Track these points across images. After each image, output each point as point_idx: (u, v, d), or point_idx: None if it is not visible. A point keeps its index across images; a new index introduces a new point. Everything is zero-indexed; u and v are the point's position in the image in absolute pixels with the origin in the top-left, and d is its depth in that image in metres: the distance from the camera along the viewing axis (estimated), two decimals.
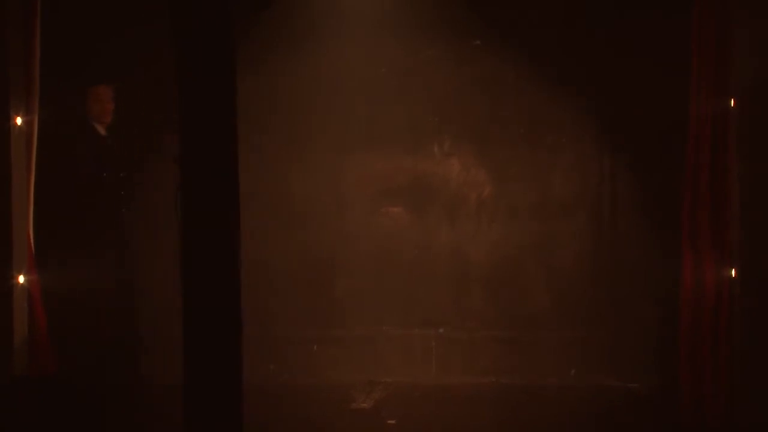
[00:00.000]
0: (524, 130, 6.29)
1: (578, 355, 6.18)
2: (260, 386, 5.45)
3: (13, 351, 4.71)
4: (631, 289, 6.11)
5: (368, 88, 6.25)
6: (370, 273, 6.35)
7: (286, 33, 6.18)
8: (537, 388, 6.03)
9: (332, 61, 6.19)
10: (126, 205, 5.70)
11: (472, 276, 6.38)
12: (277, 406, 5.60)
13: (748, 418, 4.76)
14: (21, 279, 4.80)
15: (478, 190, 6.38)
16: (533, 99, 6.22)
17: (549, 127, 6.27)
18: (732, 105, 4.80)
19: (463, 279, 6.37)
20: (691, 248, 4.91)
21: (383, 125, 6.29)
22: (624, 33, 5.95)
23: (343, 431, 5.32)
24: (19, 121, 4.77)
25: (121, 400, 5.34)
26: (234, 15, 3.28)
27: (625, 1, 5.94)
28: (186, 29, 3.20)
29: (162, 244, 5.32)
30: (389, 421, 5.38)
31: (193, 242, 3.27)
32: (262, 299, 6.12)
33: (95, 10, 5.92)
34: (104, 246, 5.64)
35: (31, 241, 4.93)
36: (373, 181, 6.36)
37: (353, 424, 5.39)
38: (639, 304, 6.07)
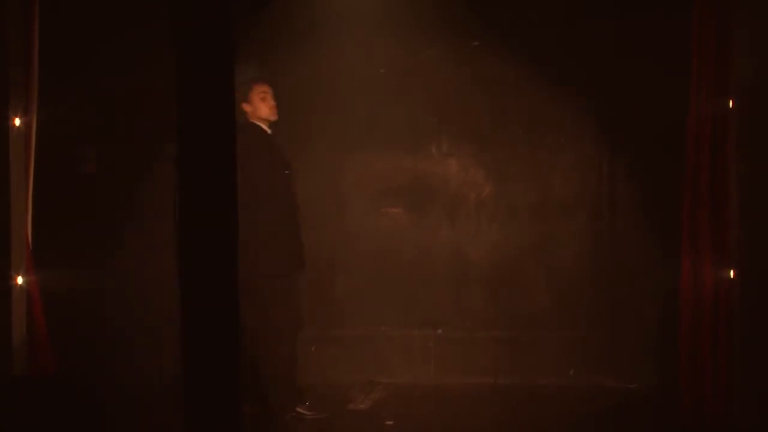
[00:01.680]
0: (524, 130, 6.29)
1: (578, 355, 6.18)
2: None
3: (12, 351, 4.70)
4: (631, 289, 6.11)
5: (368, 88, 6.25)
6: (369, 273, 6.35)
7: (286, 33, 6.17)
8: (536, 389, 6.02)
9: (332, 61, 6.19)
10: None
11: (472, 276, 6.38)
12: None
13: (748, 418, 4.75)
14: (19, 280, 4.79)
15: (477, 190, 6.38)
16: (533, 99, 6.22)
17: (549, 127, 6.27)
18: (732, 105, 4.80)
19: (463, 279, 6.37)
20: (691, 248, 4.91)
21: (383, 125, 6.30)
22: (624, 33, 5.94)
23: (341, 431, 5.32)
24: (17, 121, 4.76)
25: (121, 400, 5.34)
26: (234, 15, 3.27)
27: (625, 1, 5.94)
28: (186, 29, 3.20)
29: (160, 245, 5.30)
30: (387, 422, 5.38)
31: (192, 242, 3.26)
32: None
33: (95, 10, 5.92)
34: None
35: (30, 241, 4.92)
36: (373, 181, 6.36)
37: (352, 425, 5.39)
38: (639, 304, 6.06)
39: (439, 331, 6.32)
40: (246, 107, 5.46)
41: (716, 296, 4.82)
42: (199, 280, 3.25)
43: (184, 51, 3.20)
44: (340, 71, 6.22)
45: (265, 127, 5.49)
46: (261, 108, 5.46)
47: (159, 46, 4.12)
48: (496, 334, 6.27)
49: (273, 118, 5.50)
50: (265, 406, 5.28)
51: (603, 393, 5.92)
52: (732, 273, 4.80)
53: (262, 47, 6.04)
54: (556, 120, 6.25)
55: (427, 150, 6.36)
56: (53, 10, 5.16)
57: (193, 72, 3.19)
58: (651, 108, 5.85)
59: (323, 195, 6.34)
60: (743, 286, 4.76)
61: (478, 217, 6.37)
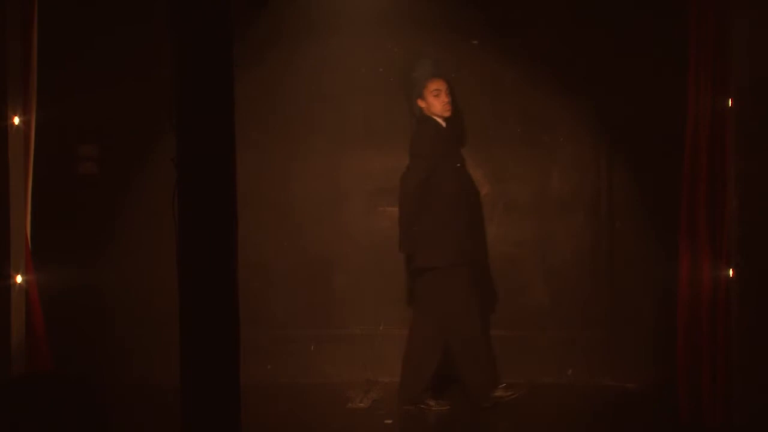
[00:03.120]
0: (522, 128, 6.28)
1: (576, 354, 6.17)
2: (258, 386, 5.45)
3: (11, 350, 4.69)
4: (629, 288, 6.11)
5: (366, 86, 6.24)
6: (367, 272, 6.33)
7: (285, 32, 6.17)
8: (535, 387, 6.01)
9: (331, 60, 6.19)
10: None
11: None
12: (274, 406, 5.60)
13: (746, 418, 4.75)
14: (18, 278, 4.78)
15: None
16: (531, 98, 6.21)
17: (547, 126, 6.26)
18: (730, 104, 4.80)
19: None
20: (689, 247, 4.91)
21: (381, 124, 6.28)
22: (623, 32, 5.93)
23: (340, 431, 5.32)
24: (17, 120, 4.76)
25: (119, 400, 5.34)
26: (233, 13, 3.27)
27: (625, 1, 5.93)
28: (185, 27, 3.20)
29: (159, 244, 5.31)
30: (386, 421, 5.38)
31: (190, 241, 3.26)
32: (260, 297, 6.12)
33: (94, 8, 5.91)
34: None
35: (29, 240, 4.92)
36: (371, 180, 6.35)
37: (350, 424, 5.39)
38: (637, 303, 6.07)
39: None
40: (420, 103, 5.62)
41: (714, 295, 4.83)
42: (199, 280, 3.25)
43: (184, 50, 3.20)
44: (338, 70, 6.22)
45: (440, 121, 5.59)
46: (434, 104, 5.59)
47: (159, 45, 4.12)
48: (494, 333, 6.25)
49: (446, 114, 5.62)
50: (468, 395, 5.56)
51: (601, 392, 5.91)
52: (731, 272, 4.80)
53: (260, 46, 6.04)
54: (555, 119, 6.24)
55: None
56: (52, 9, 5.16)
57: (193, 71, 3.19)
58: (650, 107, 5.84)
59: (322, 193, 6.33)
60: (742, 285, 4.75)
61: None
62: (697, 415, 4.88)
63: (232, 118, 3.26)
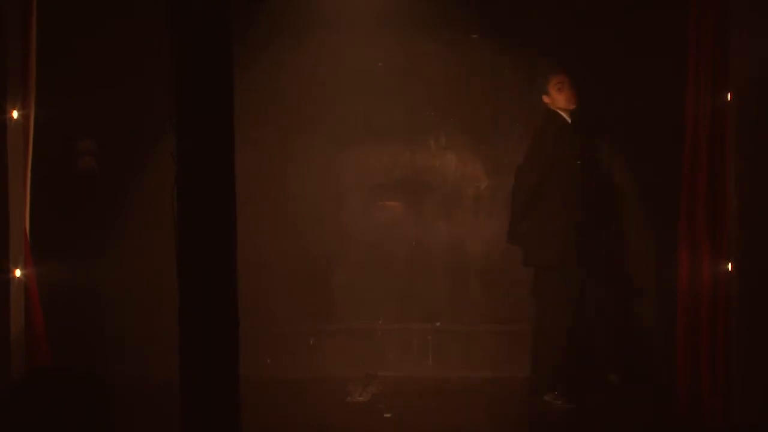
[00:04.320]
0: (521, 124, 6.27)
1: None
2: (257, 380, 5.46)
3: (11, 344, 4.69)
4: (629, 286, 6.11)
5: (365, 82, 6.24)
6: (367, 267, 6.35)
7: (284, 30, 6.15)
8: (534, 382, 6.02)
9: (330, 56, 6.18)
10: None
11: (470, 269, 6.38)
12: (274, 400, 5.61)
13: (745, 415, 4.76)
14: (18, 273, 4.78)
15: (475, 183, 6.38)
16: (532, 97, 6.19)
17: None
18: (730, 101, 4.79)
19: (461, 273, 6.38)
20: (689, 246, 4.92)
21: (380, 120, 6.28)
22: (623, 32, 5.92)
23: (339, 425, 5.33)
24: (15, 114, 4.75)
25: (118, 399, 5.33)
26: (233, 9, 3.27)
27: (625, 1, 5.91)
28: (185, 27, 3.20)
29: (158, 240, 5.31)
30: (386, 415, 5.39)
31: (190, 237, 3.26)
32: (259, 293, 6.12)
33: (93, 3, 5.90)
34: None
35: (28, 234, 4.92)
36: (370, 176, 6.36)
37: (350, 418, 5.40)
38: (637, 301, 6.07)
39: (438, 324, 6.33)
40: (546, 99, 5.64)
41: (714, 294, 4.83)
42: (199, 277, 3.25)
43: (184, 49, 3.20)
44: (337, 66, 6.21)
45: (565, 116, 5.61)
46: (558, 98, 5.61)
47: (158, 45, 4.11)
48: (493, 328, 6.28)
49: (571, 106, 5.63)
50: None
51: (600, 388, 5.92)
52: (730, 269, 4.80)
53: (260, 44, 6.03)
54: None
55: (425, 143, 6.36)
56: (52, 4, 5.15)
57: (193, 70, 3.19)
58: (650, 106, 5.83)
59: (322, 189, 6.34)
60: (742, 284, 4.76)
61: (476, 211, 6.37)
62: (696, 415, 4.89)
63: (231, 117, 3.26)
